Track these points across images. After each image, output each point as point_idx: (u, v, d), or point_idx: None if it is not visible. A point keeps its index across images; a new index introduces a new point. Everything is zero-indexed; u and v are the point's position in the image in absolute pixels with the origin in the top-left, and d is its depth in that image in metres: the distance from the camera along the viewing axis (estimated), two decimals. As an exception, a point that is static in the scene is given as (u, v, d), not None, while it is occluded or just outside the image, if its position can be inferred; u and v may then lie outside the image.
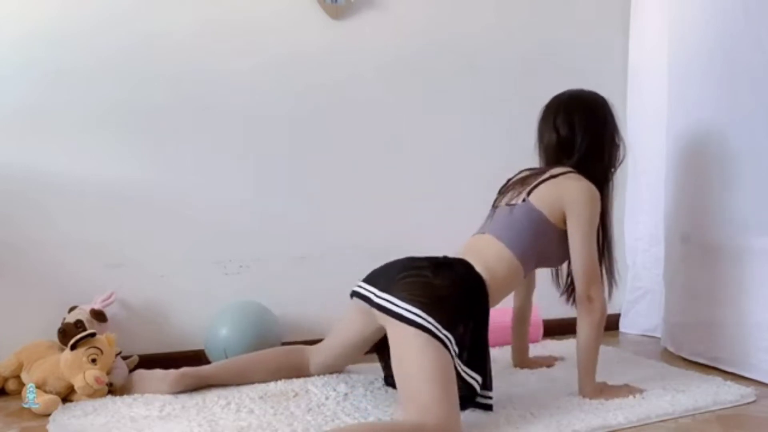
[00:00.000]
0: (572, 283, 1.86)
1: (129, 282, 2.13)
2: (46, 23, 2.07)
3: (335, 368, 1.92)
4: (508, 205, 1.82)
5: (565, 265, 1.90)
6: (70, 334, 1.86)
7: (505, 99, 2.56)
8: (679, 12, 2.27)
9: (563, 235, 1.77)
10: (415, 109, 2.47)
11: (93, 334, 1.82)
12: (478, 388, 1.60)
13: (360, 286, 1.72)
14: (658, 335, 2.44)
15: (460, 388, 1.54)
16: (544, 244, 1.77)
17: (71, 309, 2.01)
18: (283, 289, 2.28)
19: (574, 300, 1.89)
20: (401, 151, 2.45)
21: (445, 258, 1.72)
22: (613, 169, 1.89)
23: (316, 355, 1.91)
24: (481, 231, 1.84)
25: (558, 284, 1.99)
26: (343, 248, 2.37)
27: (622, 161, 1.92)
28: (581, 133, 1.84)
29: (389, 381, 1.81)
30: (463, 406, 1.55)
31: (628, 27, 2.68)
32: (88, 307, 1.99)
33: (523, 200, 1.78)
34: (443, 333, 1.51)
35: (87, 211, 2.11)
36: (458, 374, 1.56)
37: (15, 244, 2.04)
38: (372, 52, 2.41)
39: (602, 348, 2.29)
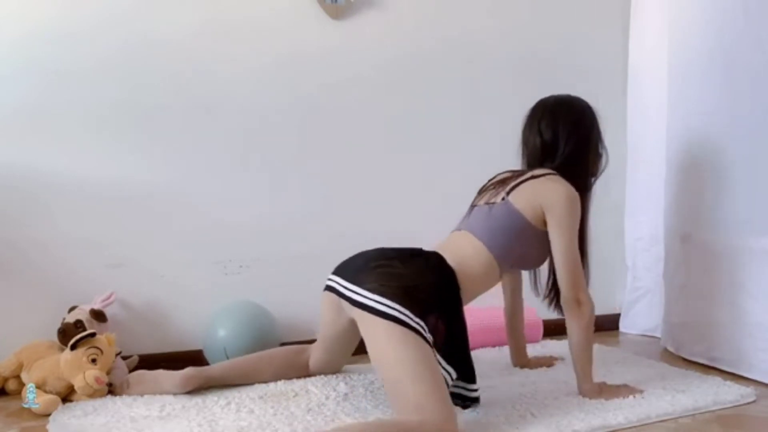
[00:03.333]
0: (554, 287, 1.86)
1: (129, 282, 2.13)
2: (46, 23, 2.07)
3: (330, 364, 1.91)
4: (487, 203, 1.80)
5: (544, 271, 1.89)
6: (70, 334, 1.86)
7: (505, 98, 2.56)
8: (679, 12, 2.27)
9: (543, 236, 1.75)
10: (415, 108, 2.47)
11: (93, 334, 1.82)
12: (450, 380, 1.56)
13: (330, 279, 1.71)
14: (658, 335, 2.44)
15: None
16: (523, 244, 1.75)
17: (71, 309, 2.01)
18: (283, 289, 2.28)
19: (556, 305, 1.88)
20: (401, 150, 2.45)
21: (416, 249, 1.71)
22: (594, 178, 1.87)
23: (312, 352, 1.92)
24: (458, 228, 1.83)
25: (537, 290, 1.96)
26: (343, 248, 2.35)
27: (603, 170, 1.89)
28: (565, 139, 1.81)
29: None
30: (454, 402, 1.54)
31: (628, 27, 2.68)
32: (88, 307, 1.99)
33: (502, 199, 1.76)
34: (415, 321, 1.49)
35: (87, 211, 2.11)
36: None
37: (15, 244, 2.04)
38: (372, 52, 2.41)
39: (602, 348, 2.31)
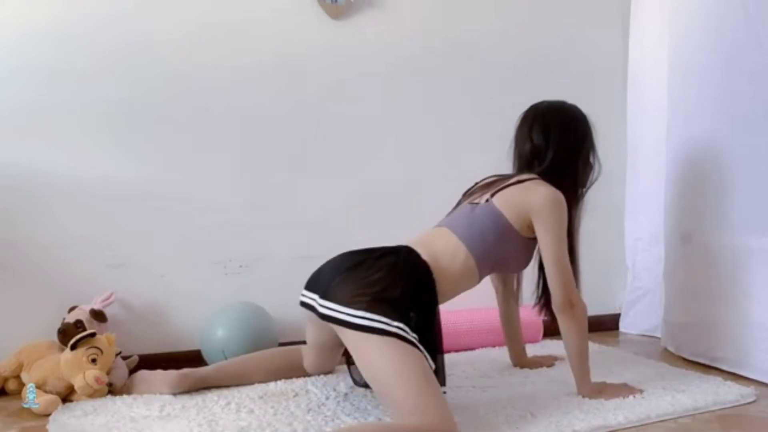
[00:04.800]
0: (543, 294, 1.84)
1: (129, 282, 2.14)
2: (45, 23, 2.07)
3: (324, 366, 1.92)
4: (470, 203, 1.77)
5: (532, 276, 1.87)
6: (70, 334, 1.86)
7: (504, 99, 2.55)
8: (679, 12, 2.27)
9: (526, 243, 1.73)
10: (416, 108, 2.47)
11: (93, 334, 1.82)
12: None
13: (304, 295, 1.67)
14: (658, 335, 2.44)
15: None
16: (503, 247, 1.72)
17: (71, 309, 2.01)
18: (283, 289, 2.26)
19: (547, 311, 1.86)
20: (401, 151, 2.45)
21: (387, 248, 1.66)
22: (583, 189, 1.84)
23: (305, 355, 1.93)
24: (438, 225, 1.80)
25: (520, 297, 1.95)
26: (343, 248, 2.36)
27: (594, 182, 1.86)
28: (555, 146, 1.78)
29: (358, 383, 1.78)
30: None
31: (628, 27, 2.68)
32: (88, 307, 1.99)
33: (486, 200, 1.73)
34: (394, 326, 1.45)
35: (87, 211, 2.11)
36: None
37: (15, 244, 2.04)
38: (372, 51, 2.41)
39: (602, 348, 2.32)
